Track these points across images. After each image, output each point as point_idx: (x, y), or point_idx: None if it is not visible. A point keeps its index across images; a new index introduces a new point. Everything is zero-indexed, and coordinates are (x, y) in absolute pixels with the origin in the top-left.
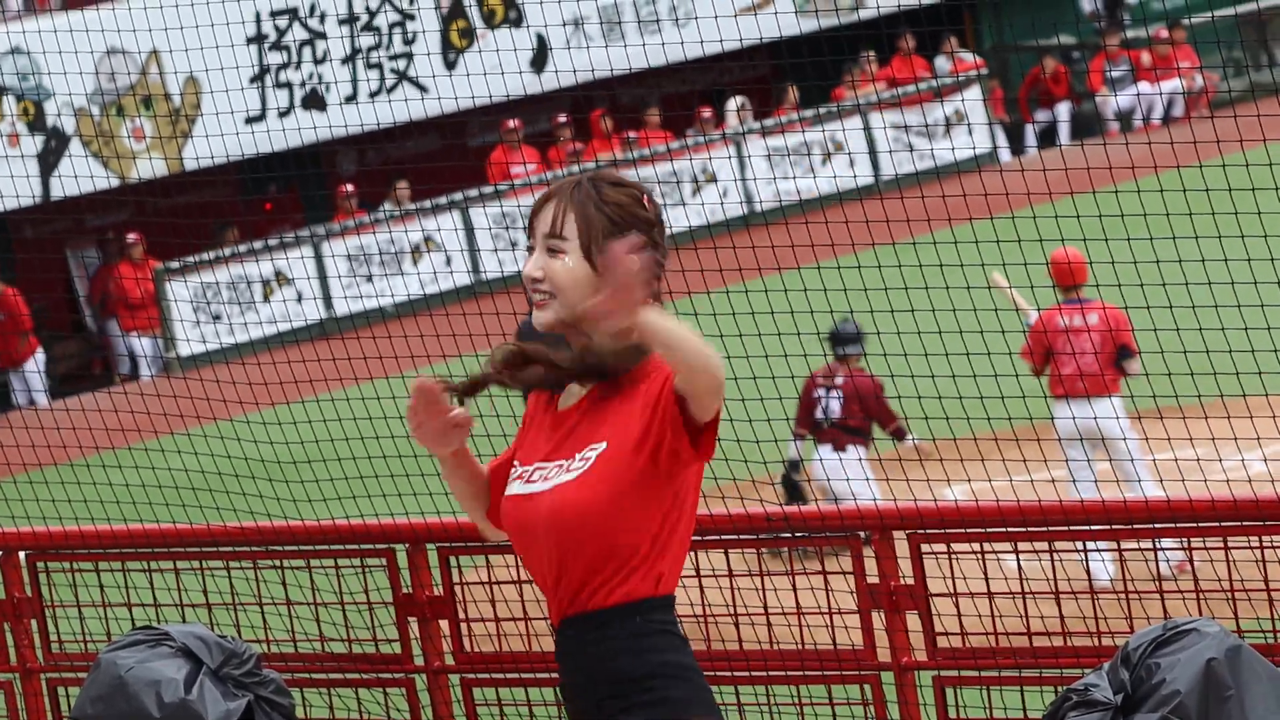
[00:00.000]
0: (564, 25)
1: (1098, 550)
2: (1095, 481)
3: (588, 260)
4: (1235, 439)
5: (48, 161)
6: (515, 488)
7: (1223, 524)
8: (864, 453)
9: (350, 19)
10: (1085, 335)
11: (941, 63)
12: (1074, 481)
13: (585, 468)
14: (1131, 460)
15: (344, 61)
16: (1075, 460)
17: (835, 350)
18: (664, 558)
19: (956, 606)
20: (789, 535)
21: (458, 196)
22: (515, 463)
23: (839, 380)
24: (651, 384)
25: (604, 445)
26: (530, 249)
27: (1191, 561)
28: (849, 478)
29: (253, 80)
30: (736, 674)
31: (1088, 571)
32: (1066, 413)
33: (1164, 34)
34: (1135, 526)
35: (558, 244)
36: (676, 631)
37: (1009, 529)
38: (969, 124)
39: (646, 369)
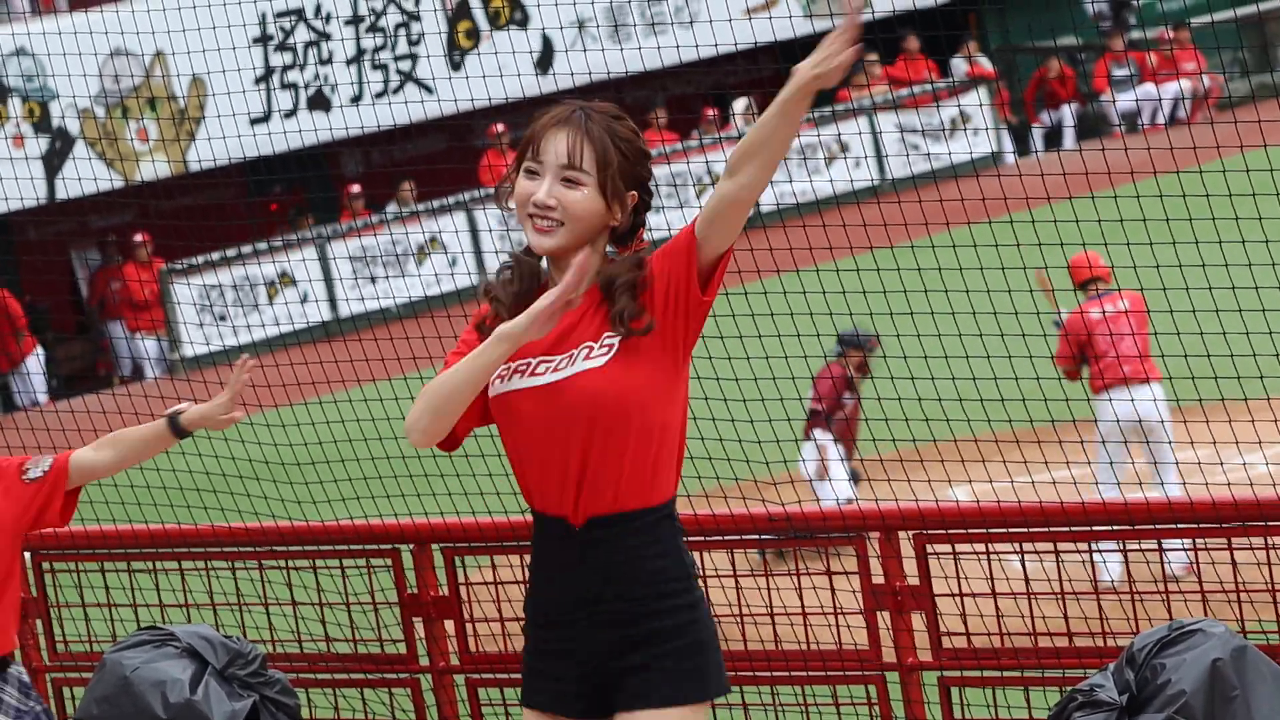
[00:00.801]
0: (569, 26)
1: (1099, 551)
2: (1118, 474)
3: (603, 196)
4: (1236, 441)
5: (52, 163)
6: (519, 381)
7: (1225, 525)
8: (838, 452)
9: (355, 20)
10: (1121, 320)
11: (958, 64)
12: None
13: (610, 354)
14: (1169, 443)
15: (349, 62)
16: (1107, 460)
17: (835, 348)
18: (681, 454)
19: (961, 607)
20: (792, 535)
21: (463, 197)
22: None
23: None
24: (650, 268)
25: (570, 354)
26: (530, 171)
27: (1197, 563)
28: (826, 478)
29: (258, 81)
30: (741, 674)
31: (1093, 571)
32: (1108, 406)
33: (1169, 35)
34: (1139, 527)
35: (576, 175)
36: (683, 530)
37: (1013, 529)
38: (973, 128)
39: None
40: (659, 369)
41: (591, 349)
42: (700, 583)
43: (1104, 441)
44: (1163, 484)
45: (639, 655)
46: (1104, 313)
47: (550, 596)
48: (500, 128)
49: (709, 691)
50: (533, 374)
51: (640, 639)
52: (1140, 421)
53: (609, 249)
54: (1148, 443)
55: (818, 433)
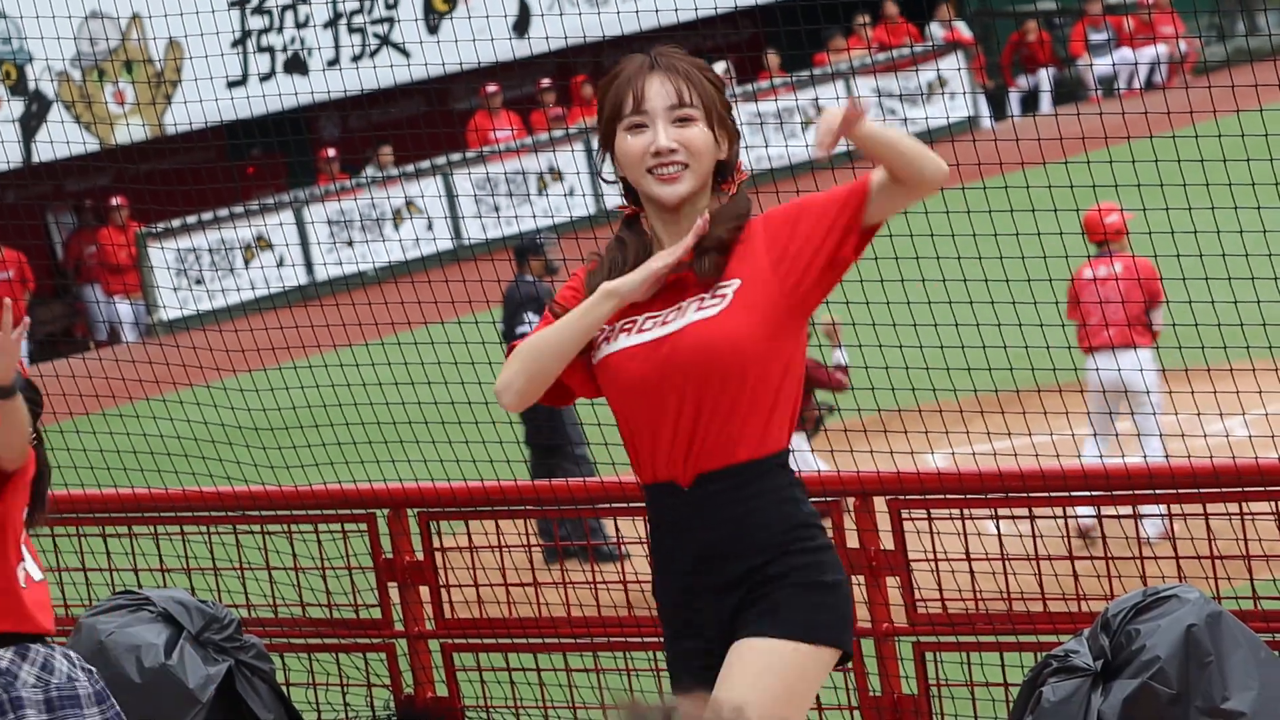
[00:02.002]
0: None
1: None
2: (1102, 437)
3: (712, 129)
4: (1220, 411)
5: (29, 125)
6: (625, 340)
7: (1202, 490)
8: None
9: None
10: (1111, 285)
11: (935, 29)
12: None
13: (724, 304)
14: (1153, 414)
15: (326, 26)
16: (1095, 415)
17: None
18: (797, 405)
19: (936, 573)
20: None
21: (440, 161)
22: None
23: None
24: (770, 220)
25: (738, 281)
26: (635, 126)
27: (1172, 529)
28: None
29: (235, 44)
30: None
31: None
32: (1094, 367)
33: (1149, 1)
34: (1115, 493)
35: (687, 113)
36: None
37: (989, 495)
38: (950, 92)
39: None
40: (777, 318)
41: (704, 299)
42: (825, 532)
43: (1088, 394)
44: (1145, 457)
45: (759, 596)
46: (1095, 275)
47: (672, 569)
48: (492, 88)
49: (831, 637)
50: (640, 331)
51: (759, 590)
52: (1126, 391)
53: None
54: (1132, 413)
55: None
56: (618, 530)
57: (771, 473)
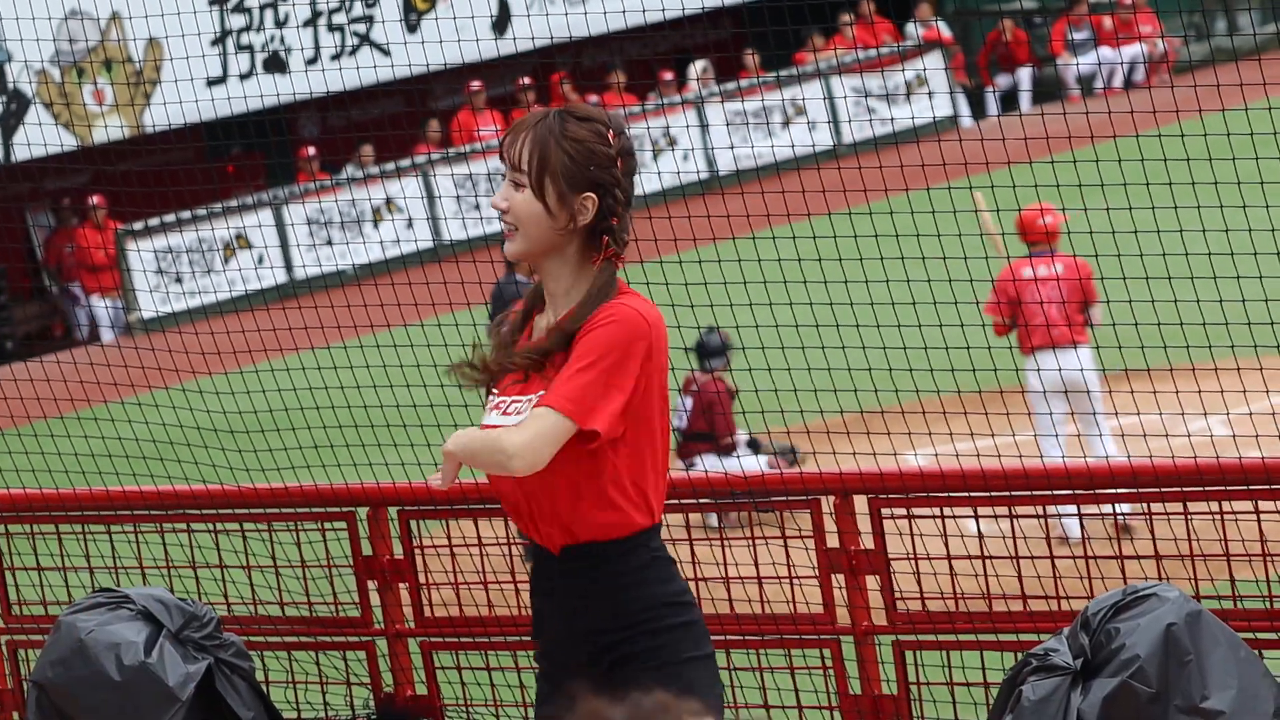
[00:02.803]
0: None
1: (1059, 516)
2: (1059, 436)
3: (537, 197)
4: (1204, 407)
5: (8, 125)
6: (493, 418)
7: (1184, 488)
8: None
9: None
10: (1053, 285)
11: (912, 29)
12: (1045, 435)
13: (523, 417)
14: (1094, 414)
15: (305, 24)
16: (1044, 415)
17: (701, 363)
18: (654, 485)
19: (916, 571)
20: (748, 499)
21: (420, 160)
22: (493, 390)
23: (694, 389)
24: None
25: (540, 394)
26: (503, 176)
27: (1151, 527)
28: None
29: (214, 43)
30: None
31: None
32: (1035, 367)
33: (1128, 1)
34: (1097, 491)
35: (520, 177)
36: (669, 557)
37: (970, 493)
38: (929, 91)
39: (595, 319)
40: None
41: (520, 404)
42: (686, 609)
43: (1029, 394)
44: (1100, 437)
45: (613, 679)
46: (1035, 274)
47: (539, 624)
48: (476, 85)
49: (685, 680)
50: (504, 413)
51: (612, 666)
52: (1069, 393)
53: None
54: (1074, 415)
55: (706, 459)
56: None
57: (626, 554)
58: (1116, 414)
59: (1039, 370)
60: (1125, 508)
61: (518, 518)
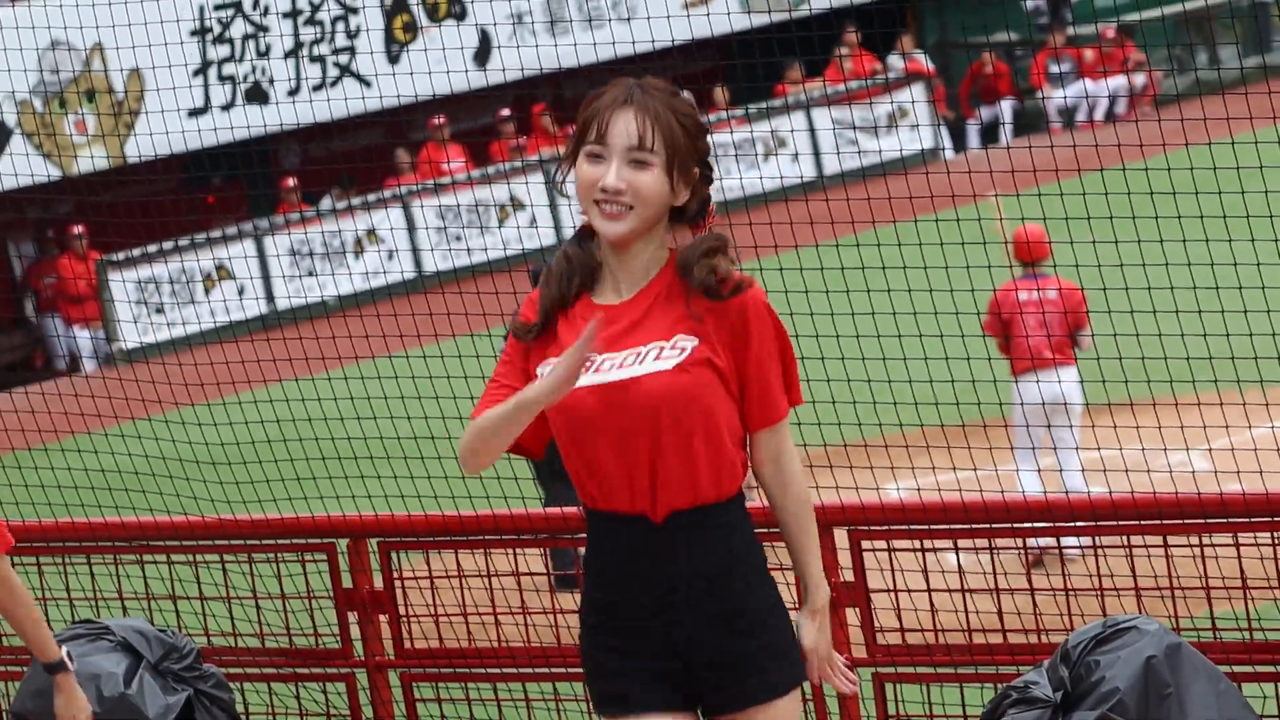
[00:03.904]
0: (506, 21)
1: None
2: (1038, 458)
3: (669, 176)
4: (1185, 440)
5: None
6: (584, 379)
7: (1164, 522)
8: None
9: (294, 13)
10: (1049, 308)
11: (894, 60)
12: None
13: (682, 357)
14: (1073, 447)
15: (287, 55)
16: (1028, 445)
17: None
18: (743, 450)
19: (896, 603)
20: None
21: (401, 190)
22: (549, 362)
23: None
24: (752, 310)
25: (696, 342)
26: (594, 155)
27: (1131, 560)
28: None
29: (196, 74)
30: None
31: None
32: (1031, 388)
33: (1110, 33)
34: (1078, 524)
35: (645, 156)
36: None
37: (950, 526)
38: (910, 124)
39: (749, 294)
40: (724, 383)
41: (662, 349)
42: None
43: (1022, 425)
44: (1062, 470)
45: (729, 646)
46: (1029, 295)
47: (626, 594)
48: (441, 119)
49: (799, 676)
50: (598, 370)
51: (725, 622)
52: (1055, 404)
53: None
54: (1050, 426)
55: None
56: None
57: (734, 512)
58: (1099, 448)
59: (1037, 385)
60: (1072, 541)
61: (617, 484)
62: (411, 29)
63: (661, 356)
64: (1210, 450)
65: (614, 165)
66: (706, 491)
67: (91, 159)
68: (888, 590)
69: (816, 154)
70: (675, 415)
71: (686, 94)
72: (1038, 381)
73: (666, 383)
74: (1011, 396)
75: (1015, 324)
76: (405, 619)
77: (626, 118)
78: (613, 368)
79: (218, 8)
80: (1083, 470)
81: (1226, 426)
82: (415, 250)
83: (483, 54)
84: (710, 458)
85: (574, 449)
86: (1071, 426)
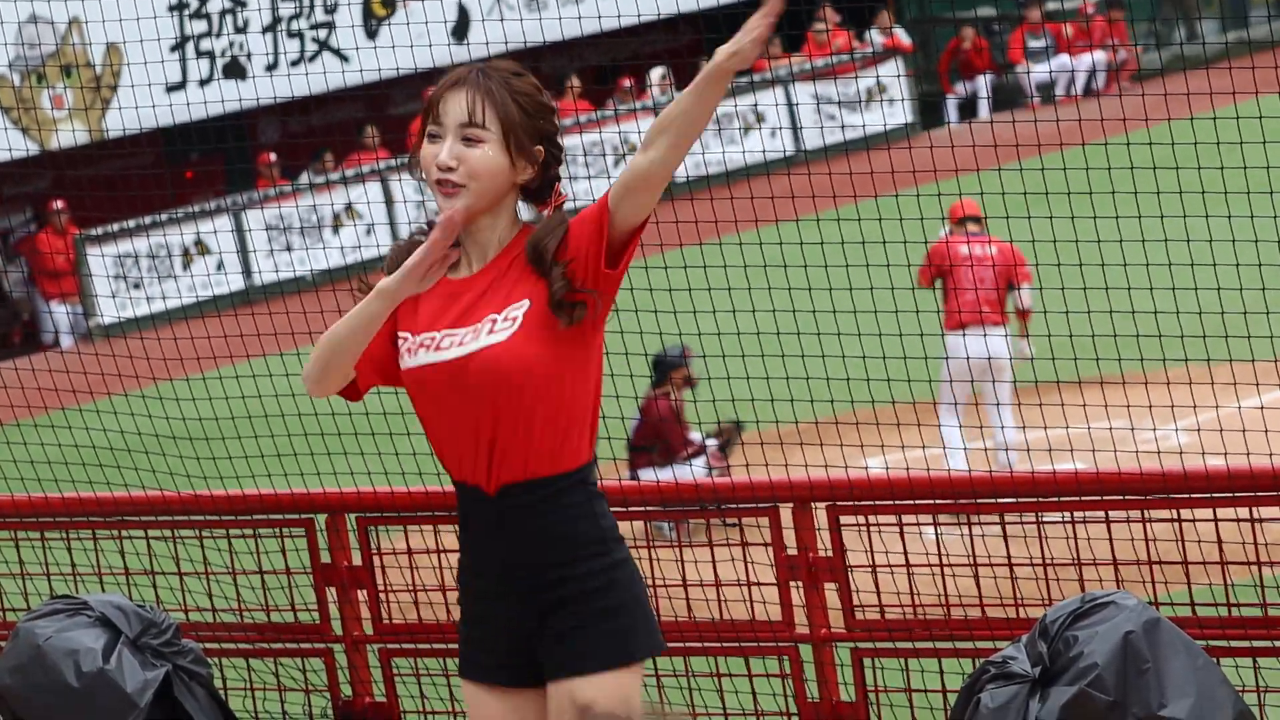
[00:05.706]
0: None
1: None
2: (959, 414)
3: (507, 152)
4: (1153, 417)
5: None
6: (425, 356)
7: (1145, 497)
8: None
9: None
10: (987, 264)
11: (875, 36)
12: (945, 405)
13: (514, 327)
14: (1012, 382)
15: (265, 30)
16: (951, 400)
17: (655, 377)
18: (594, 420)
19: (875, 579)
20: (710, 506)
21: (379, 165)
22: (405, 334)
23: (640, 403)
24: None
25: (527, 303)
26: (433, 136)
27: (1110, 536)
28: None
29: (174, 49)
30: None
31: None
32: (961, 344)
33: (1089, 8)
34: (1060, 499)
35: (476, 133)
36: (603, 495)
37: (928, 501)
38: (889, 98)
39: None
40: (566, 340)
41: (495, 322)
42: (622, 545)
43: (947, 381)
44: (1001, 428)
45: (557, 621)
46: (970, 252)
47: (474, 564)
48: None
49: (636, 653)
50: (438, 349)
51: (554, 604)
52: (990, 359)
53: (523, 208)
54: (976, 381)
55: (647, 472)
56: None
57: (570, 489)
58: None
59: (965, 342)
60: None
61: (461, 456)
62: (389, 4)
63: (495, 330)
64: (1176, 429)
65: (447, 142)
66: (540, 464)
67: (73, 132)
68: (866, 566)
69: (795, 129)
70: (511, 388)
71: (532, 77)
72: (964, 337)
73: (499, 355)
74: (949, 350)
75: (956, 275)
76: (384, 593)
77: (459, 97)
78: (452, 345)
79: None
80: (1022, 427)
81: (1195, 406)
82: (393, 225)
83: (461, 28)
84: (548, 429)
85: (427, 423)
86: (1003, 383)
